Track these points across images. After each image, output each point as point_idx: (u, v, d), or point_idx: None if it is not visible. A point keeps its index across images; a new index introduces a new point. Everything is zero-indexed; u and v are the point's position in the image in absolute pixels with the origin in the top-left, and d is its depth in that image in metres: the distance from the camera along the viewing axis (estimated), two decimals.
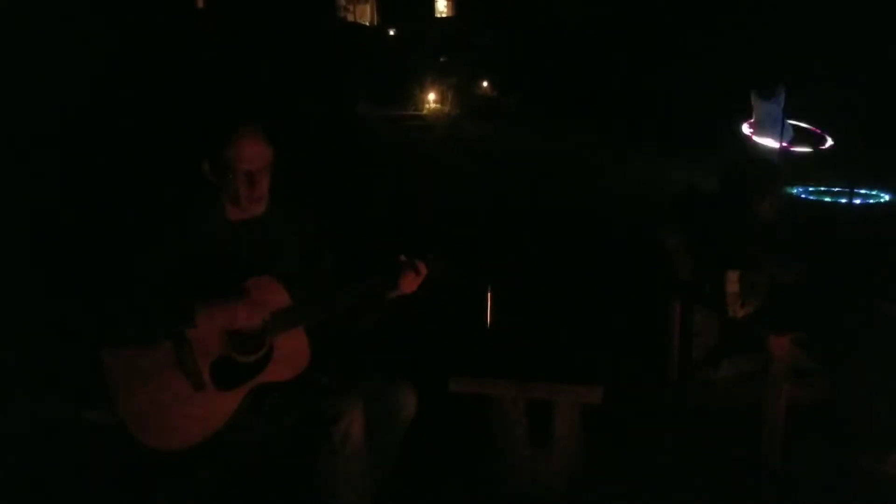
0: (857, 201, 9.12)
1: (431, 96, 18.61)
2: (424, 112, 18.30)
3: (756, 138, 10.04)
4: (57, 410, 2.97)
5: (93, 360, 2.10)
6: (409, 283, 2.31)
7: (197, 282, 2.14)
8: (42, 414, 3.13)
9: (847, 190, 9.11)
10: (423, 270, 2.33)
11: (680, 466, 3.07)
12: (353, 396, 2.23)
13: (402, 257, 2.33)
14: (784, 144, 9.63)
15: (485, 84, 20.23)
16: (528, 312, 4.41)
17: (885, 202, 9.57)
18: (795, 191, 9.65)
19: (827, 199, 9.48)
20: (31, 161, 8.18)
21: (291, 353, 2.23)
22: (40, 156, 8.49)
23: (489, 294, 3.78)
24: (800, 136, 10.19)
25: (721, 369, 3.15)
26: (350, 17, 21.65)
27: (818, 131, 10.23)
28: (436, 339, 4.02)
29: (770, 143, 9.89)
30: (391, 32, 21.37)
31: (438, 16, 23.19)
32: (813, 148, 10.30)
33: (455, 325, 4.00)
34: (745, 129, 10.18)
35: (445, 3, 23.28)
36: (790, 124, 10.01)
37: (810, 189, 9.89)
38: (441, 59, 19.24)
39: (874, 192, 9.80)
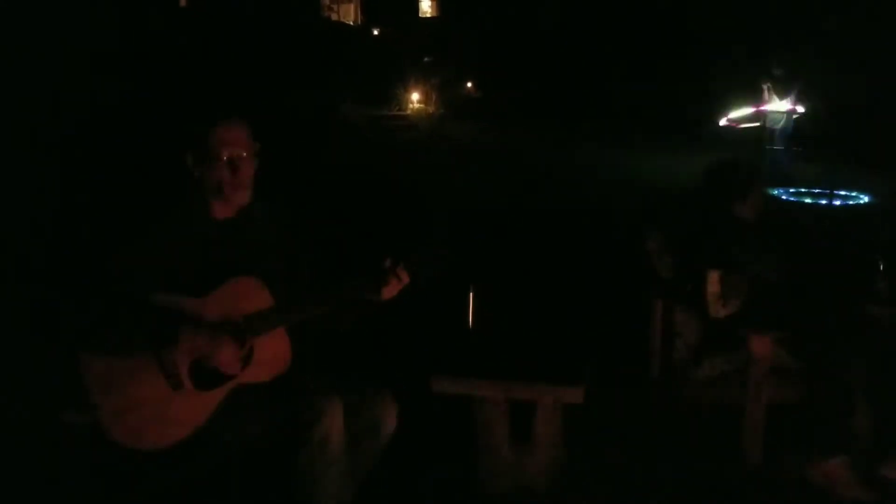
0: (837, 202, 9.23)
1: (415, 96, 18.61)
2: (408, 112, 18.30)
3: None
4: (35, 412, 2.93)
5: (70, 359, 2.07)
6: (390, 290, 2.30)
7: (181, 282, 2.11)
8: (19, 416, 3.09)
9: (827, 191, 9.22)
10: (406, 278, 2.30)
11: (661, 465, 3.08)
12: (332, 398, 2.21)
13: (388, 261, 2.30)
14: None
15: (469, 84, 20.25)
16: (510, 312, 4.40)
17: (864, 203, 9.68)
18: (776, 192, 9.74)
19: (807, 201, 9.58)
20: (10, 164, 8.06)
21: (272, 354, 2.21)
22: (19, 159, 8.38)
23: (471, 294, 3.77)
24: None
25: (702, 369, 3.15)
26: (334, 17, 21.61)
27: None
28: (417, 340, 4.01)
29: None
30: (375, 32, 21.37)
31: (423, 16, 23.21)
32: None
33: (437, 326, 3.99)
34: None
35: (430, 3, 23.30)
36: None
37: (791, 190, 9.99)
38: (425, 59, 19.26)
39: (853, 194, 9.91)
